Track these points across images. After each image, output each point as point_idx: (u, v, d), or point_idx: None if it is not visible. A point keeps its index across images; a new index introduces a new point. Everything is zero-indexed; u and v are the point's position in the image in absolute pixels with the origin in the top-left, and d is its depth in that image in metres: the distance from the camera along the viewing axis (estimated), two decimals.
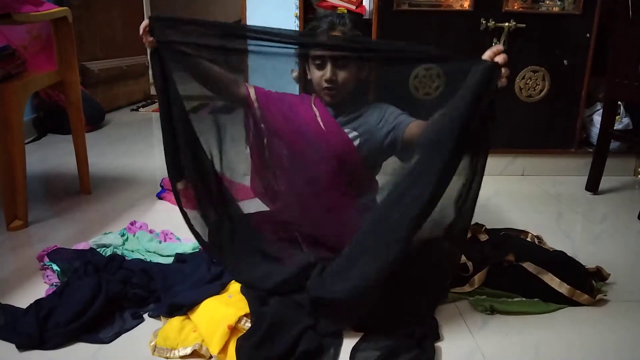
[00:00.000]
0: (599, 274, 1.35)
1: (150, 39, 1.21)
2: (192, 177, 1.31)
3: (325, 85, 1.30)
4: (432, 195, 1.05)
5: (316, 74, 1.31)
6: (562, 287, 1.24)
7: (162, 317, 1.15)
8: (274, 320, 1.07)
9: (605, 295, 1.28)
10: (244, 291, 1.20)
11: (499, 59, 1.03)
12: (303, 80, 1.40)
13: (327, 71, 1.28)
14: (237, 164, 1.38)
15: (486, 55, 1.04)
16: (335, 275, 1.13)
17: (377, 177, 1.39)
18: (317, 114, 1.33)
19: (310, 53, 1.29)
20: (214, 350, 1.01)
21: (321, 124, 1.32)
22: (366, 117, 1.36)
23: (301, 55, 1.32)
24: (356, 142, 1.33)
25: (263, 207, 1.47)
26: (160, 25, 1.22)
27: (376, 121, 1.34)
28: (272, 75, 1.31)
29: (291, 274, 1.20)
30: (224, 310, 1.09)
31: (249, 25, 1.92)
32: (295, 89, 1.43)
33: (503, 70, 1.03)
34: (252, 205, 1.46)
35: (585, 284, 1.28)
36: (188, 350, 1.02)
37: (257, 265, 1.28)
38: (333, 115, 1.34)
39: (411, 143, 1.28)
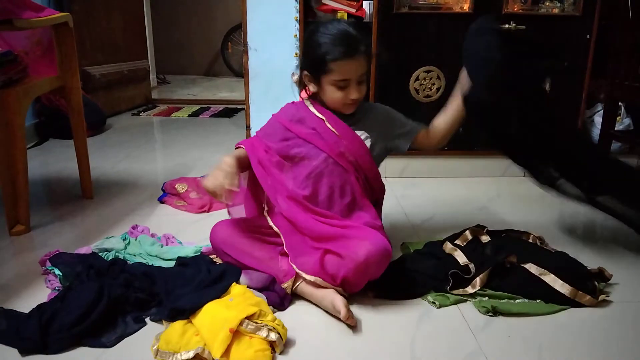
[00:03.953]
0: (602, 275, 1.34)
1: None
2: None
3: (350, 102, 1.34)
4: None
5: (337, 94, 1.32)
6: (564, 288, 1.24)
7: (164, 321, 1.15)
8: None
9: (608, 296, 1.28)
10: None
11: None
12: (303, 85, 1.41)
13: (354, 91, 1.32)
14: None
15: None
16: None
17: None
18: (324, 118, 1.35)
19: (332, 79, 1.30)
20: (216, 353, 1.01)
21: (333, 129, 1.34)
22: (372, 118, 1.41)
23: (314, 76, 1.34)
24: (368, 143, 1.37)
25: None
26: None
27: (384, 121, 1.42)
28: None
29: None
30: (226, 314, 1.09)
31: None
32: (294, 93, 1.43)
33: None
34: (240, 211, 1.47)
35: (588, 285, 1.27)
36: (190, 354, 1.01)
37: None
38: (341, 119, 1.37)
39: (417, 148, 1.45)
